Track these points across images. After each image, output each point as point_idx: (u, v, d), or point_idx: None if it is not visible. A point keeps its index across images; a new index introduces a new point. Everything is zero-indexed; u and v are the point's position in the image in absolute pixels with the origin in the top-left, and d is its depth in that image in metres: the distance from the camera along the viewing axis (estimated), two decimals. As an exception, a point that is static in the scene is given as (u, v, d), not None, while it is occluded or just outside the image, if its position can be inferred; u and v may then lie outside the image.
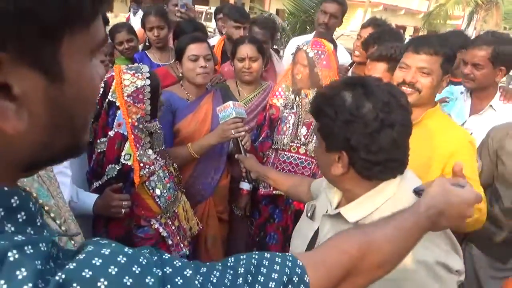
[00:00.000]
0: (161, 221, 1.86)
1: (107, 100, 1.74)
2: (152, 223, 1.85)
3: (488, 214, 2.11)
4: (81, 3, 0.44)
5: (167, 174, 1.88)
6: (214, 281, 0.60)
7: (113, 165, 1.74)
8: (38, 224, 0.49)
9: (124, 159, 1.73)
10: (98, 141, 1.75)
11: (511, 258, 2.11)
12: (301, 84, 2.29)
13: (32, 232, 0.47)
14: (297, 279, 0.67)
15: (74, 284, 0.44)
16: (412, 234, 0.85)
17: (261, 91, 2.65)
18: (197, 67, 2.22)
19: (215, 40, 3.74)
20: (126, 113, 1.71)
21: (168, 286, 0.52)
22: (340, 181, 1.16)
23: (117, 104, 1.71)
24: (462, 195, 0.92)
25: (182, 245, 1.94)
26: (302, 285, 0.67)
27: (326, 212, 1.24)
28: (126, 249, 0.52)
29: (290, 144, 2.31)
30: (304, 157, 2.29)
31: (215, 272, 0.61)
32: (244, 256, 0.67)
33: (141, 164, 1.75)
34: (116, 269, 0.48)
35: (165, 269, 0.54)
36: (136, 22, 4.71)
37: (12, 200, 0.46)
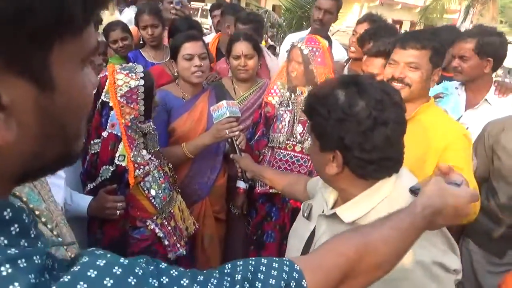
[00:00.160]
0: (157, 221, 1.85)
1: (100, 100, 1.72)
2: (147, 224, 1.83)
3: (484, 209, 2.12)
4: (71, 11, 0.43)
5: (162, 175, 1.87)
6: None
7: (107, 167, 1.72)
8: (32, 235, 0.48)
9: (118, 160, 1.71)
10: (92, 142, 1.73)
11: (508, 253, 2.11)
12: (296, 82, 2.27)
13: (26, 244, 0.46)
14: (294, 284, 0.66)
15: None
16: (409, 234, 0.85)
17: (257, 89, 2.63)
18: (192, 66, 2.20)
19: (210, 37, 3.71)
20: (120, 114, 1.69)
21: None
22: (335, 180, 1.15)
23: (110, 104, 1.70)
24: (458, 194, 0.92)
25: (178, 245, 1.93)
26: None
27: (322, 212, 1.24)
28: (121, 259, 0.51)
29: (286, 142, 2.30)
30: (300, 155, 2.28)
31: (212, 280, 0.61)
32: (241, 263, 0.67)
33: (136, 165, 1.74)
34: (111, 281, 0.47)
35: (161, 279, 0.54)
36: (125, 20, 4.69)
37: (5, 213, 0.45)
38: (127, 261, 0.51)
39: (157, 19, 3.06)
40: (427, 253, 1.04)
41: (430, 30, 2.87)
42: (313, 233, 1.26)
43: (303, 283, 0.67)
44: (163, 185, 1.86)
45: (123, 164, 1.72)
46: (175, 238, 1.91)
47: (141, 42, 3.27)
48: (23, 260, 0.42)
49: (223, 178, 2.49)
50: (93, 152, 1.73)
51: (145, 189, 1.80)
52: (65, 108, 0.47)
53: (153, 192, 1.81)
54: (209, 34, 4.48)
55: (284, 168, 2.30)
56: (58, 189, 1.50)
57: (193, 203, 2.36)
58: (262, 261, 0.68)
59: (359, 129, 1.02)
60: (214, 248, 2.49)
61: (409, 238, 0.85)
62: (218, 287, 0.60)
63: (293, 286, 0.66)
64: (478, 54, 2.33)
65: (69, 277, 0.45)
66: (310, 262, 0.75)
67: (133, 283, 0.49)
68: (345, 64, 3.17)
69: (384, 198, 1.09)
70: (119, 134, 1.71)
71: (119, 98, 1.69)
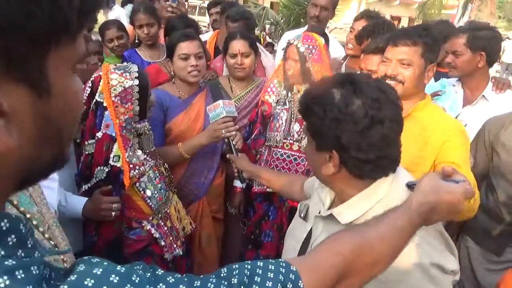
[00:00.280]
0: (153, 222, 1.83)
1: (94, 100, 1.70)
2: (143, 224, 1.82)
3: (483, 207, 2.11)
4: (68, 16, 0.44)
5: (158, 175, 1.85)
6: None
7: (101, 167, 1.70)
8: (29, 245, 0.48)
9: (113, 160, 1.70)
10: (86, 142, 1.72)
11: (507, 251, 2.10)
12: (293, 80, 2.25)
13: (23, 254, 0.46)
14: (291, 285, 0.66)
15: None
16: (404, 232, 0.86)
17: (254, 87, 2.62)
18: (188, 66, 2.18)
19: (208, 35, 3.69)
20: (114, 114, 1.67)
21: None
22: (332, 181, 1.14)
23: (105, 104, 1.68)
24: (452, 190, 0.92)
25: (175, 246, 1.91)
26: None
27: (319, 213, 1.22)
28: (118, 267, 0.51)
29: (283, 141, 2.28)
30: (297, 154, 2.26)
31: (209, 284, 0.61)
32: (237, 266, 0.67)
33: (131, 166, 1.72)
34: None
35: (158, 286, 0.54)
36: (111, 17, 4.68)
37: (2, 224, 0.45)
38: (124, 269, 0.52)
39: (152, 18, 3.03)
40: (425, 254, 1.03)
41: (423, 26, 2.90)
42: (310, 234, 1.25)
43: (299, 284, 0.67)
44: (159, 185, 1.84)
45: (118, 164, 1.70)
46: (171, 238, 1.89)
47: (136, 41, 3.24)
48: (21, 271, 0.43)
49: (220, 178, 2.48)
50: (87, 153, 1.71)
51: (141, 189, 1.78)
52: (61, 112, 0.48)
53: (148, 193, 1.79)
54: (207, 32, 4.46)
55: (282, 167, 2.29)
56: (51, 191, 1.48)
57: (190, 203, 2.35)
58: (258, 264, 0.68)
59: (356, 128, 1.00)
60: (212, 248, 2.48)
61: (405, 236, 0.86)
62: None
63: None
64: (470, 48, 2.35)
65: (66, 286, 0.46)
66: (306, 262, 0.75)
67: None
68: (343, 61, 3.15)
69: (381, 198, 1.08)
70: (114, 135, 1.69)
71: (113, 98, 1.67)
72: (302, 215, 1.33)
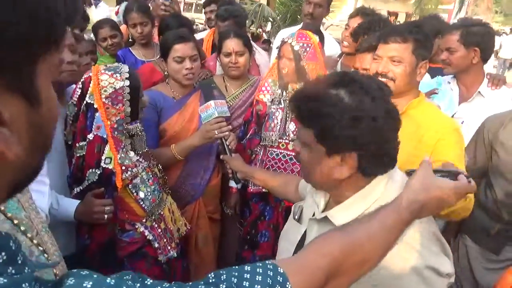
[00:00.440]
0: (146, 224, 1.81)
1: (85, 102, 1.68)
2: (137, 226, 1.79)
3: (482, 206, 2.10)
4: (57, 24, 0.44)
5: (151, 176, 1.83)
6: None
7: (93, 170, 1.68)
8: (19, 261, 0.48)
9: (104, 163, 1.67)
10: (77, 145, 1.69)
11: (505, 250, 2.08)
12: (287, 78, 2.23)
13: (13, 271, 0.46)
14: (279, 287, 0.67)
15: None
16: (394, 230, 0.86)
17: (248, 86, 2.59)
18: (183, 69, 2.17)
19: (205, 33, 3.66)
20: (105, 115, 1.65)
21: None
22: (339, 184, 1.10)
23: (95, 106, 1.65)
24: (443, 186, 0.93)
25: (169, 248, 1.89)
26: None
27: (313, 215, 1.20)
28: (108, 279, 0.52)
29: (279, 140, 2.26)
30: (293, 154, 2.23)
31: None
32: (225, 272, 0.67)
33: (123, 167, 1.69)
34: None
35: None
36: (97, 14, 4.64)
37: None
38: (113, 281, 0.52)
39: (145, 16, 3.01)
40: (420, 257, 1.02)
41: (414, 22, 2.90)
42: (304, 236, 1.24)
43: (287, 286, 0.68)
44: (152, 186, 1.82)
45: (110, 166, 1.68)
46: (165, 240, 1.87)
47: (130, 40, 3.22)
48: None
49: (216, 178, 2.46)
50: (78, 155, 1.69)
51: (134, 191, 1.75)
52: (47, 118, 0.49)
53: (141, 194, 1.77)
54: (204, 29, 4.43)
55: (277, 167, 2.27)
56: (42, 195, 1.46)
57: (186, 204, 2.33)
58: (246, 269, 0.68)
59: (374, 125, 0.99)
60: (208, 248, 2.47)
61: (394, 234, 0.86)
62: None
63: None
64: (464, 44, 2.36)
65: None
66: (294, 264, 0.75)
67: None
68: (338, 59, 3.13)
69: (377, 199, 1.07)
70: (105, 136, 1.67)
71: (104, 100, 1.64)
72: (296, 217, 1.31)
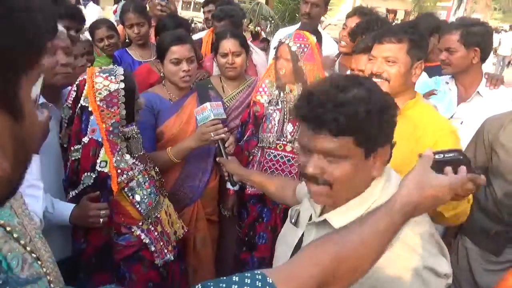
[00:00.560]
0: (142, 227, 1.80)
1: (79, 105, 1.66)
2: (133, 230, 1.78)
3: (482, 206, 2.09)
4: (42, 39, 0.46)
5: (147, 179, 1.81)
6: None
7: (88, 173, 1.66)
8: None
9: (100, 166, 1.65)
10: (72, 148, 1.67)
11: (505, 251, 2.07)
12: (285, 79, 2.21)
13: None
14: None
15: None
16: (387, 233, 0.85)
17: (246, 87, 2.58)
18: (180, 71, 2.15)
19: (203, 33, 3.64)
20: (100, 119, 1.63)
21: None
22: (361, 184, 1.09)
23: (90, 109, 1.63)
24: (438, 184, 0.91)
25: (166, 251, 1.87)
26: None
27: (310, 219, 1.19)
28: None
29: (276, 142, 2.25)
30: (291, 155, 2.23)
31: None
32: (212, 283, 0.66)
33: (119, 171, 1.68)
34: None
35: None
36: (88, 15, 4.64)
37: None
38: None
39: (142, 17, 2.99)
40: (418, 258, 1.01)
41: (409, 22, 2.88)
42: (301, 240, 1.23)
43: None
44: (149, 189, 1.80)
45: (105, 170, 1.66)
46: (162, 243, 1.85)
47: (127, 40, 3.20)
48: None
49: (214, 180, 2.44)
50: (73, 158, 1.67)
51: (130, 194, 1.74)
52: (30, 133, 0.49)
53: (137, 198, 1.75)
54: (203, 28, 4.42)
55: (275, 168, 2.25)
56: (36, 200, 1.44)
57: (185, 207, 2.32)
58: (234, 279, 0.68)
59: (389, 115, 1.03)
60: (207, 250, 2.45)
61: (387, 237, 0.85)
62: None
63: None
64: (464, 44, 2.34)
65: None
66: (284, 274, 0.75)
67: None
68: (336, 58, 3.11)
69: (373, 202, 1.07)
70: (100, 140, 1.65)
71: (98, 103, 1.63)
72: (293, 220, 1.31)
